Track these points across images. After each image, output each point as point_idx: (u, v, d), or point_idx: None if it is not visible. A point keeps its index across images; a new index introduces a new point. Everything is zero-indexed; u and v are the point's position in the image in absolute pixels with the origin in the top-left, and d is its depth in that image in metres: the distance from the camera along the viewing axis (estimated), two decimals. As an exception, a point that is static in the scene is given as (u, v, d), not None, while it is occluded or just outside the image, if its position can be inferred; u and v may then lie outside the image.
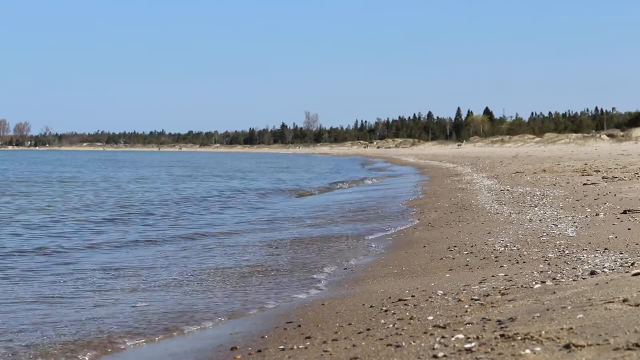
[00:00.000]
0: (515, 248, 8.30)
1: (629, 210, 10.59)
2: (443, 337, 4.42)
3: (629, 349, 3.62)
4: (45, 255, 10.33)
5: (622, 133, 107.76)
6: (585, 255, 7.22)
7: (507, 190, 17.15)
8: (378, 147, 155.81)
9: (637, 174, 19.03)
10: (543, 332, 4.11)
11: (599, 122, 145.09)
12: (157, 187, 29.35)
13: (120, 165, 65.19)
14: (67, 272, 8.87)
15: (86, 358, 5.30)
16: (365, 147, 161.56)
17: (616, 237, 8.25)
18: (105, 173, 44.82)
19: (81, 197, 22.82)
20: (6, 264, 9.53)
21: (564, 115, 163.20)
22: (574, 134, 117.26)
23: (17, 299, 7.33)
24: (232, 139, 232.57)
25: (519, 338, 4.06)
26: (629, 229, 8.81)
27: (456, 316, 5.01)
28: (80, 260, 9.85)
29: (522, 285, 5.90)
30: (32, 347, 5.49)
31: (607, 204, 11.93)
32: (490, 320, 4.68)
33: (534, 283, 5.94)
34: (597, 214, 10.69)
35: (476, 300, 5.51)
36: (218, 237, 12.33)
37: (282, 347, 4.93)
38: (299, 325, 5.59)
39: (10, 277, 8.61)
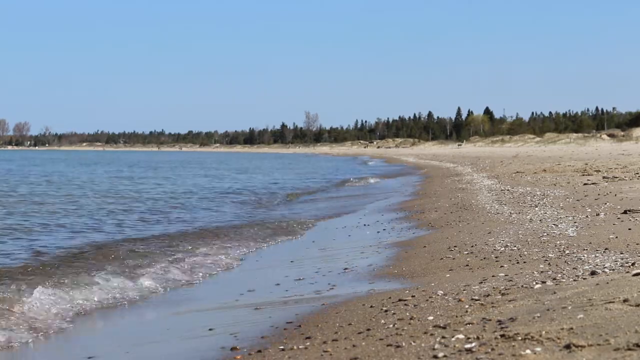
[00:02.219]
0: (515, 248, 8.29)
1: (629, 210, 10.58)
2: (443, 337, 4.41)
3: (629, 349, 3.61)
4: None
5: (622, 133, 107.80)
6: (585, 256, 7.21)
7: (508, 190, 17.13)
8: (378, 147, 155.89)
9: (637, 173, 19.02)
10: (543, 332, 4.10)
11: (599, 122, 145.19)
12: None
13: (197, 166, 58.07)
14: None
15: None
16: (365, 147, 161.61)
17: (617, 237, 8.24)
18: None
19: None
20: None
21: (564, 115, 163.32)
22: (575, 134, 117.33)
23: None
24: (232, 139, 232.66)
25: (520, 338, 4.05)
26: (629, 229, 8.79)
27: (456, 316, 5.00)
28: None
29: (522, 286, 5.89)
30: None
31: (608, 204, 11.91)
32: (490, 320, 4.67)
33: (534, 283, 5.93)
34: (598, 214, 10.68)
35: (476, 300, 5.50)
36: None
37: (282, 347, 4.92)
38: (299, 326, 5.58)
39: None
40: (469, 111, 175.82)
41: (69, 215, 15.88)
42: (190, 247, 10.74)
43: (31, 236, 12.10)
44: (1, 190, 24.68)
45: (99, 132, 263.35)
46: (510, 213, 12.02)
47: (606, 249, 7.52)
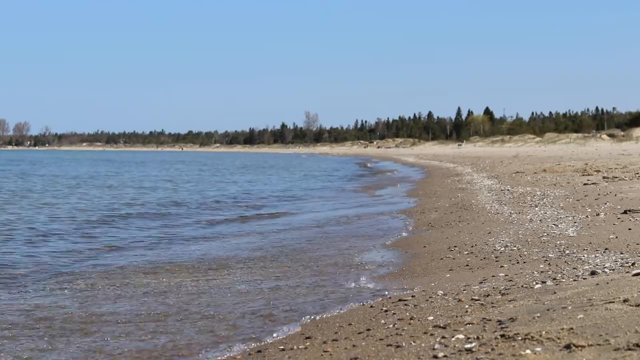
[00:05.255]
0: (515, 248, 8.29)
1: (629, 210, 10.58)
2: (443, 337, 4.41)
3: (629, 349, 3.61)
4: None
5: (622, 133, 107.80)
6: (585, 256, 7.21)
7: (508, 190, 17.13)
8: (378, 147, 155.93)
9: (637, 173, 19.02)
10: (543, 332, 4.10)
11: (599, 122, 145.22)
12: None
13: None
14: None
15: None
16: (365, 147, 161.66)
17: (617, 237, 8.24)
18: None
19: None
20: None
21: (564, 115, 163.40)
22: (575, 134, 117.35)
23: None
24: (232, 139, 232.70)
25: (520, 338, 4.05)
26: (629, 229, 8.80)
27: (456, 316, 5.00)
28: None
29: (522, 286, 5.90)
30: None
31: (608, 204, 11.91)
32: (490, 320, 4.67)
33: (534, 283, 5.93)
34: (598, 214, 10.68)
35: (476, 300, 5.50)
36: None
37: (282, 347, 4.92)
38: (299, 326, 5.58)
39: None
40: (469, 111, 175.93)
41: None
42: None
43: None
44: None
45: (99, 132, 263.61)
46: (510, 213, 12.02)
47: (606, 249, 7.53)
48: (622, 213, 10.48)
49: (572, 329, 4.09)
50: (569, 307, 4.64)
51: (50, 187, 27.92)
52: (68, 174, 41.75)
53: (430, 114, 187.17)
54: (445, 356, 4.00)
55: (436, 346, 4.24)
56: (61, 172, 44.77)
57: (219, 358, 4.98)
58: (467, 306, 5.32)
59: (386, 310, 5.60)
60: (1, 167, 55.73)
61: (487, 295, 5.63)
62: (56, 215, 16.10)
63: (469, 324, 4.67)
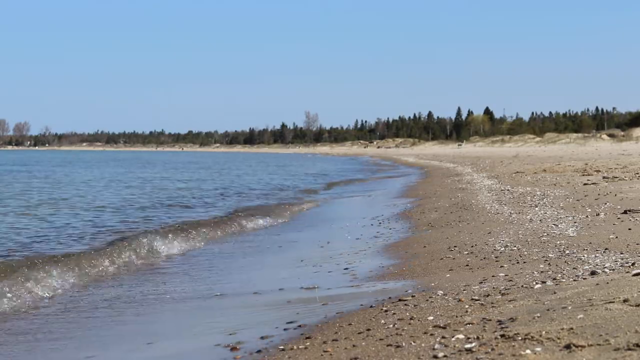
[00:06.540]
0: (515, 248, 8.29)
1: (629, 210, 10.58)
2: (443, 337, 4.41)
3: (629, 349, 3.61)
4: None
5: (622, 133, 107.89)
6: (585, 256, 7.21)
7: (508, 190, 17.13)
8: (378, 147, 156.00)
9: (637, 173, 19.02)
10: (543, 332, 4.10)
11: (599, 122, 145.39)
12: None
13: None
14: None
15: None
16: (365, 147, 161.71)
17: (617, 237, 8.24)
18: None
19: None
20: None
21: (564, 115, 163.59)
22: (575, 134, 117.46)
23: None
24: (232, 139, 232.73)
25: (520, 338, 4.05)
26: (629, 229, 8.80)
27: (456, 316, 5.00)
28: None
29: (522, 286, 5.89)
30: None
31: (608, 204, 11.91)
32: (490, 320, 4.67)
33: (534, 283, 5.93)
34: (598, 214, 10.68)
35: (476, 300, 5.50)
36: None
37: (282, 347, 4.92)
38: (299, 326, 5.58)
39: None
40: (469, 111, 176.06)
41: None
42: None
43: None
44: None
45: (99, 132, 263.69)
46: (510, 213, 12.02)
47: (606, 249, 7.53)
48: (622, 213, 10.48)
49: (572, 329, 4.09)
50: (569, 307, 4.64)
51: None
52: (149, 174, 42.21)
53: (430, 114, 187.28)
54: (445, 356, 4.00)
55: (436, 346, 4.23)
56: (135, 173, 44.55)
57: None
58: (467, 306, 5.32)
59: (386, 310, 5.60)
60: (44, 168, 52.74)
61: (487, 295, 5.63)
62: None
63: (469, 324, 4.66)
